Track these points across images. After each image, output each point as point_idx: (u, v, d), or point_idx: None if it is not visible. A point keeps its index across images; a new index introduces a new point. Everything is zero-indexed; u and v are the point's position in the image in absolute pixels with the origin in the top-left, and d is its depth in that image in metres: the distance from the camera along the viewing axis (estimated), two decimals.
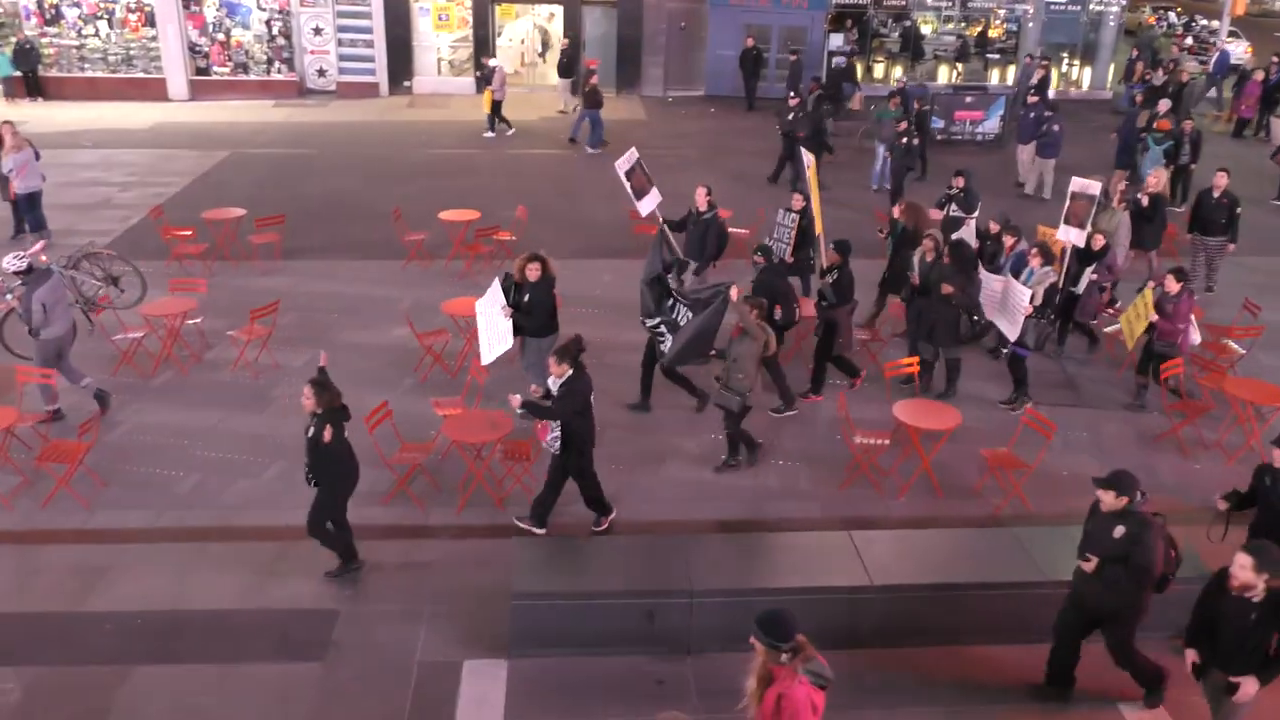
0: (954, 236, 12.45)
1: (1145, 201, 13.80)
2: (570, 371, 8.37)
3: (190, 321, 11.85)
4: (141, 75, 25.32)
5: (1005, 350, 11.44)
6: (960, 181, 13.85)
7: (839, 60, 24.71)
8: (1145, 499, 6.72)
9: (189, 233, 14.52)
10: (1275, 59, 23.74)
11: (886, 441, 9.81)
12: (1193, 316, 10.97)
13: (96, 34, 25.02)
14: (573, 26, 25.93)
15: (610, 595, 7.47)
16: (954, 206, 13.80)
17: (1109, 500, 6.63)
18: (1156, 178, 14.55)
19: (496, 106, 22.18)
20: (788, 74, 24.16)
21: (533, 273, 10.23)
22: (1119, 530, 6.58)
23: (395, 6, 25.43)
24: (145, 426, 10.44)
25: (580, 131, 21.71)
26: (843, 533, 8.26)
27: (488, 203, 16.21)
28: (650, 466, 10.02)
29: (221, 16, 25.13)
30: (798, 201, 12.43)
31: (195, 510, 9.20)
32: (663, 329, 10.27)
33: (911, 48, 27.43)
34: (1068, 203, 11.88)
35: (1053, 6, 27.21)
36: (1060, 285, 11.57)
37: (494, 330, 9.97)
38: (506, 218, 15.18)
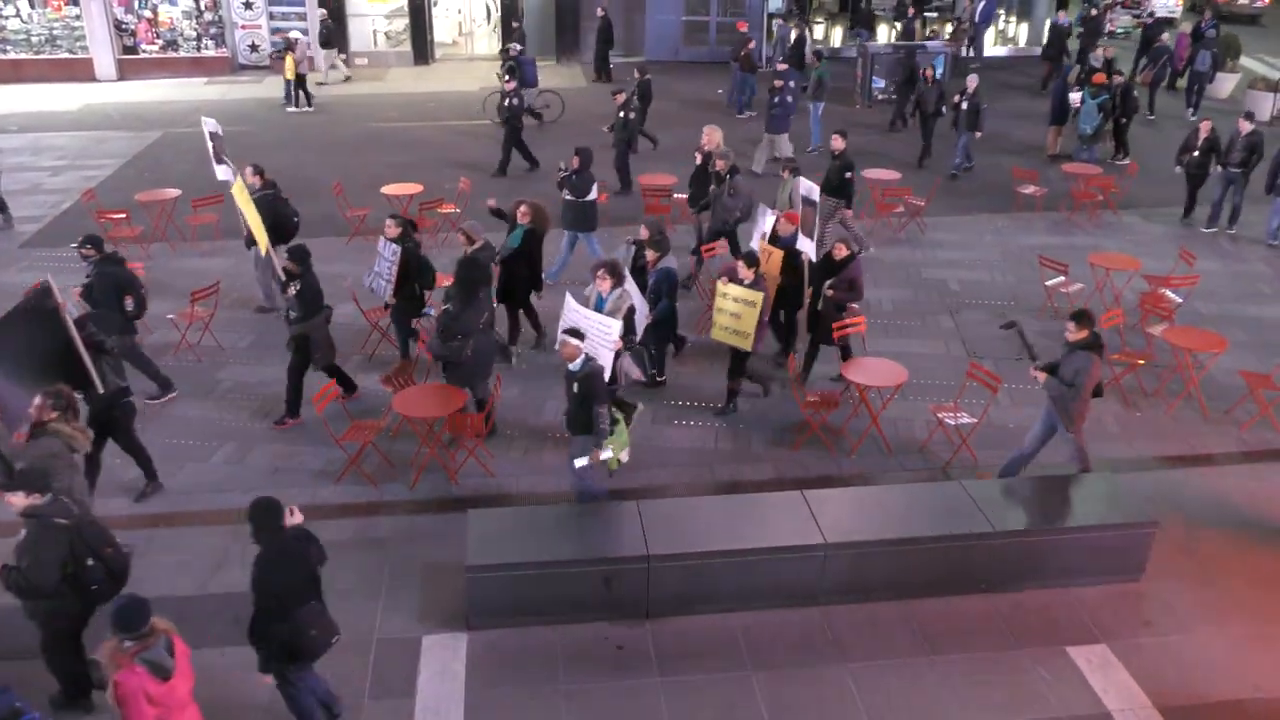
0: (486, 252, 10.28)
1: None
2: None
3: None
4: (67, 56, 24.55)
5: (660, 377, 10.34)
6: (575, 161, 12.19)
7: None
8: (56, 501, 6.31)
9: (123, 215, 14.19)
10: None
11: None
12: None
13: (17, 14, 24.20)
14: None
15: (566, 563, 7.49)
16: (566, 191, 12.33)
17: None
18: None
19: (301, 80, 21.92)
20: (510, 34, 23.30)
21: None
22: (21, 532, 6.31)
23: None
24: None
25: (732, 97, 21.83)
26: (796, 492, 8.34)
27: (430, 176, 16.03)
28: None
29: None
30: (391, 229, 10.42)
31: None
32: None
33: (851, 6, 27.42)
34: (801, 209, 10.70)
35: None
36: (808, 302, 10.64)
37: None
38: (450, 190, 15.02)
